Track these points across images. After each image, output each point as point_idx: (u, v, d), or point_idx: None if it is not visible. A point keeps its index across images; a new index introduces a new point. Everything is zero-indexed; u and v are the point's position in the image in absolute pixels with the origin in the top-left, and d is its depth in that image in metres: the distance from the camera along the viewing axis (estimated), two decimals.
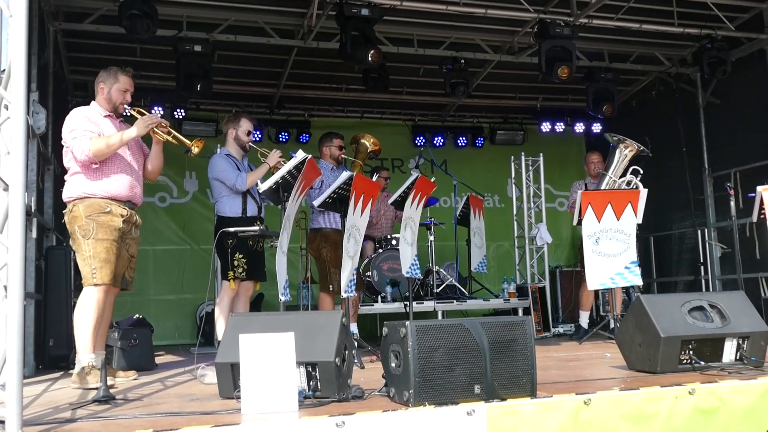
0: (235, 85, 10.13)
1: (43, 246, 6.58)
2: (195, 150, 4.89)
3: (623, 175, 7.16)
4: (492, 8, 8.16)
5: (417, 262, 6.43)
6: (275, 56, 9.43)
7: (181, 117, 9.91)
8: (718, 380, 3.66)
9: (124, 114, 4.92)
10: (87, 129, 4.62)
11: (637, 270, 6.28)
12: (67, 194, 4.68)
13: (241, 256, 5.68)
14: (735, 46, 9.21)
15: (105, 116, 4.81)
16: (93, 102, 4.90)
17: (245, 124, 6.02)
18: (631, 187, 6.99)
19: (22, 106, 2.92)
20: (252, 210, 5.91)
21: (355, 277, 5.64)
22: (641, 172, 7.05)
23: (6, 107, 3.00)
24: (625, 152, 7.16)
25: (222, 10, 8.27)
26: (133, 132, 4.71)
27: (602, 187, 7.18)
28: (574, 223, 6.58)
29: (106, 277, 4.54)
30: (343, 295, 5.47)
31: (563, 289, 9.99)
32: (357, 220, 5.51)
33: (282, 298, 5.07)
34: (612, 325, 7.18)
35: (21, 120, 2.91)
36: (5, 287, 2.87)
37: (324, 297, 6.57)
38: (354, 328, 6.67)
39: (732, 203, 7.14)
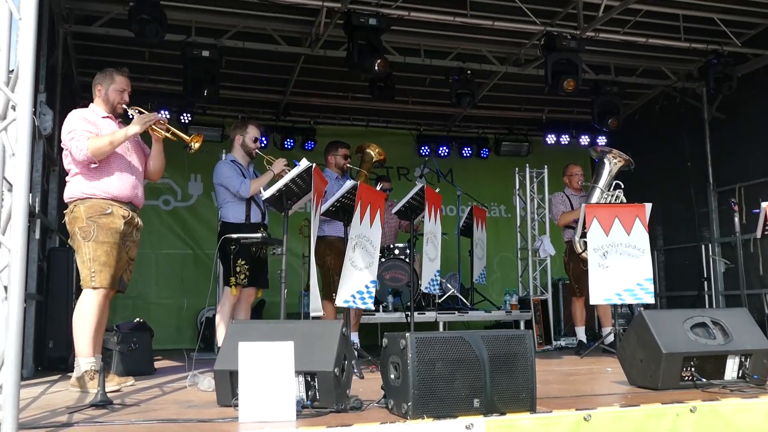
0: (242, 91, 10.15)
1: (46, 247, 6.59)
2: (195, 146, 4.87)
3: (610, 188, 7.14)
4: (499, 20, 8.18)
5: (438, 277, 6.42)
6: (282, 63, 9.45)
7: (187, 121, 9.94)
8: (720, 398, 3.63)
9: (129, 117, 4.88)
10: (85, 129, 4.61)
11: (650, 287, 6.13)
12: (68, 195, 4.68)
13: (243, 262, 5.66)
14: (741, 62, 9.24)
15: (104, 117, 4.80)
16: (91, 104, 4.89)
17: (252, 131, 6.02)
18: (617, 201, 6.98)
19: (29, 108, 2.92)
20: (256, 217, 5.90)
21: (372, 289, 5.59)
22: (622, 186, 7.06)
23: (13, 108, 3.00)
24: (614, 161, 7.14)
25: (230, 17, 8.30)
26: (131, 129, 4.67)
27: (592, 201, 7.14)
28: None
29: (105, 281, 4.52)
30: (342, 304, 5.45)
31: (566, 301, 9.91)
32: (366, 231, 5.47)
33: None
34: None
35: (27, 122, 2.91)
36: (5, 288, 2.87)
37: (326, 305, 6.54)
38: (355, 337, 6.65)
39: (736, 219, 7.14)
